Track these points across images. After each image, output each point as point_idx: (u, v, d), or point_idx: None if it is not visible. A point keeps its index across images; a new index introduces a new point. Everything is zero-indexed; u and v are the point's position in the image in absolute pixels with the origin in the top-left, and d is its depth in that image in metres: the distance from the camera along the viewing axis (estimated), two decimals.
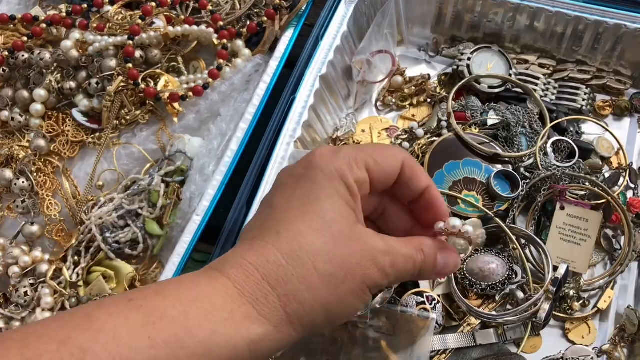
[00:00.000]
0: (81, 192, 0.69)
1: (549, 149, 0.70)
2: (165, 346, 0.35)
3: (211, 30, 0.75)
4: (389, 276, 0.42)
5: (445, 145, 0.70)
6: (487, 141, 0.70)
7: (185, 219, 0.62)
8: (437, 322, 0.59)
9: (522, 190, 0.66)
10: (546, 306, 0.58)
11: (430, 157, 0.69)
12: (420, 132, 0.72)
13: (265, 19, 0.76)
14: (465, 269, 0.62)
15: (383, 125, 0.77)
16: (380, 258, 0.42)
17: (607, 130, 0.72)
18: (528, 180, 0.67)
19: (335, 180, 0.42)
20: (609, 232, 0.67)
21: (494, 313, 0.61)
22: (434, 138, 0.71)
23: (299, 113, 0.68)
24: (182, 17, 0.78)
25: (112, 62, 0.71)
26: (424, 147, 0.71)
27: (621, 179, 0.69)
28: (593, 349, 0.61)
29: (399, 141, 0.73)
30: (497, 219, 0.64)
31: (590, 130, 0.74)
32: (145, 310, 0.36)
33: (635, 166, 0.71)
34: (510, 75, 0.75)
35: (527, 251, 0.65)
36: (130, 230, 0.64)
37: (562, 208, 0.66)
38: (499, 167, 0.68)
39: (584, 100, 0.74)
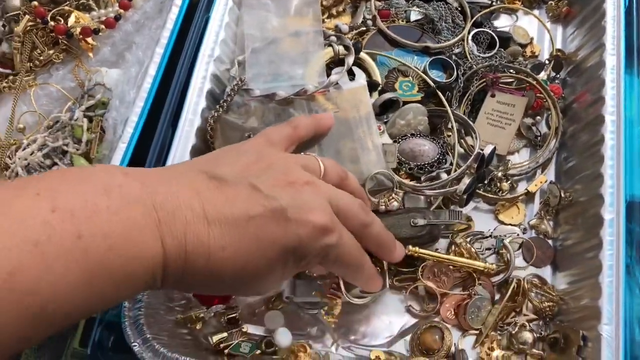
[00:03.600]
0: (2, 137, 0.67)
1: (470, 42, 0.72)
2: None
3: None
4: None
5: (374, 40, 0.71)
6: (418, 33, 0.72)
7: (112, 148, 0.62)
8: None
9: (459, 77, 0.68)
10: (467, 180, 0.61)
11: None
12: (345, 27, 0.72)
13: None
14: (397, 149, 0.64)
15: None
16: None
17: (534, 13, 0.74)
18: (463, 70, 0.68)
19: None
20: (529, 121, 0.70)
21: (416, 184, 0.62)
22: (363, 35, 0.72)
23: (215, 32, 0.67)
24: None
25: (16, 1, 0.69)
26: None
27: (543, 71, 0.72)
28: (521, 227, 0.65)
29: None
30: (441, 95, 0.66)
31: (502, 23, 0.76)
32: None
33: (546, 53, 0.74)
34: None
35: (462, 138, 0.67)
36: (58, 168, 0.63)
37: (493, 95, 0.69)
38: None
39: None
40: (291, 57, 0.64)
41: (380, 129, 0.62)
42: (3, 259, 0.30)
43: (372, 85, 0.64)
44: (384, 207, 0.59)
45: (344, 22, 0.76)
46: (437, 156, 0.63)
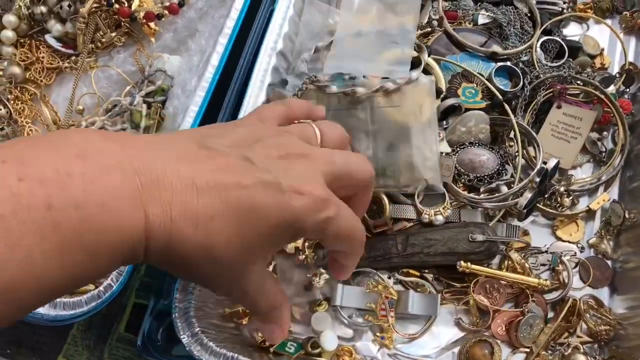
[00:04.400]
0: (61, 117, 0.67)
1: (539, 49, 0.70)
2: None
3: None
4: None
5: (439, 42, 0.69)
6: (485, 37, 0.70)
7: None
8: None
9: (525, 86, 0.66)
10: (528, 194, 0.59)
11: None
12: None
13: None
14: (455, 159, 0.62)
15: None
16: None
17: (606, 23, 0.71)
18: (529, 79, 0.66)
19: None
20: (594, 135, 0.67)
21: (475, 196, 0.61)
22: (428, 36, 0.70)
23: (279, 25, 0.66)
24: None
25: None
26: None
27: (613, 84, 0.69)
28: (579, 245, 0.63)
29: None
30: (505, 104, 0.64)
31: (572, 32, 0.74)
32: None
33: (617, 65, 0.72)
34: None
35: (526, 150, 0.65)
36: None
37: (559, 107, 0.67)
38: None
39: (565, 2, 0.74)
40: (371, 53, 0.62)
41: (440, 136, 0.60)
42: None
43: (435, 92, 0.63)
44: (427, 217, 0.58)
45: (409, 22, 0.75)
46: (497, 167, 0.61)
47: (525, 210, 0.59)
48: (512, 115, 0.63)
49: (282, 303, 0.41)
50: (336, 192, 0.41)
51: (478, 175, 0.61)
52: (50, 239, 0.30)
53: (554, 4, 0.74)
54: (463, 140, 0.63)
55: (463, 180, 0.61)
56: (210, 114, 0.61)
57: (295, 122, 0.47)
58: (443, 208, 0.60)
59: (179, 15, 0.69)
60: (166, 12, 0.69)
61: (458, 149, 0.62)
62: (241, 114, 0.61)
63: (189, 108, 0.61)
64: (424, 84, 0.60)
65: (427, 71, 0.64)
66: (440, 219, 0.59)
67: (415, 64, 0.63)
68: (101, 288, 0.54)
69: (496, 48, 0.69)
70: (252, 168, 0.38)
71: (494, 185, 0.61)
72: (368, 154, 0.60)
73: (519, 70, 0.66)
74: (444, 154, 0.61)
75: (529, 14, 0.72)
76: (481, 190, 0.61)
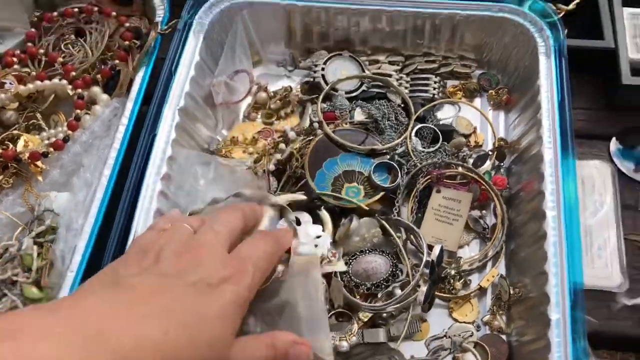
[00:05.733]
0: None
1: (414, 137, 0.73)
2: None
3: (65, 82, 0.75)
4: None
5: (321, 144, 0.72)
6: (364, 134, 0.73)
7: (62, 277, 0.62)
8: None
9: (401, 179, 0.69)
10: (424, 288, 0.62)
11: (309, 158, 0.70)
12: (292, 134, 0.73)
13: (118, 61, 0.76)
14: (350, 272, 0.64)
15: (255, 128, 0.78)
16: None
17: (480, 109, 0.76)
18: (407, 169, 0.70)
19: None
20: (476, 213, 0.71)
21: (377, 304, 0.63)
22: (311, 137, 0.73)
23: (162, 149, 0.68)
24: (34, 73, 0.77)
25: None
26: (302, 149, 0.72)
27: (488, 160, 0.74)
28: (475, 323, 0.65)
29: (275, 142, 0.74)
30: (379, 218, 0.67)
31: (445, 114, 0.78)
32: None
33: (490, 141, 0.76)
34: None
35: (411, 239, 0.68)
36: (8, 299, 0.63)
37: (439, 191, 0.70)
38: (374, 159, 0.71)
39: (434, 88, 0.79)
40: None
41: (335, 256, 0.62)
42: None
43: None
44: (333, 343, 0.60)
45: (292, 124, 0.78)
46: (390, 269, 0.64)
47: (426, 304, 0.62)
48: (391, 225, 0.67)
49: (270, 343, 0.46)
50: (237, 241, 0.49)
51: (374, 282, 0.63)
52: None
53: (426, 90, 0.79)
54: (359, 248, 0.66)
55: (361, 290, 0.63)
56: (98, 248, 0.62)
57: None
58: (348, 334, 0.61)
59: (64, 151, 0.71)
60: (51, 149, 0.71)
61: (350, 260, 0.65)
62: (129, 242, 0.62)
63: (76, 246, 0.62)
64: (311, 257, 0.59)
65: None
66: (344, 345, 0.60)
67: None
68: None
69: (375, 143, 0.72)
70: (172, 281, 0.42)
71: (390, 288, 0.63)
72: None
73: (395, 165, 0.69)
74: (336, 275, 0.63)
75: (402, 105, 0.77)
76: (379, 295, 0.63)
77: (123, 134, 0.69)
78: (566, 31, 0.74)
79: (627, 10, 0.85)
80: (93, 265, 0.61)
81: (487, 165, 0.73)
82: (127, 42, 0.77)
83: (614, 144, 0.78)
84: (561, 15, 0.76)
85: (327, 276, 0.62)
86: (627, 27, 0.83)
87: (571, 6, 0.82)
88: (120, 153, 0.68)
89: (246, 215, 0.52)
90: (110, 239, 0.62)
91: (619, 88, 0.78)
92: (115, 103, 0.73)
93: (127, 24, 0.79)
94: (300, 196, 0.64)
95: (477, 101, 0.80)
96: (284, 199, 0.62)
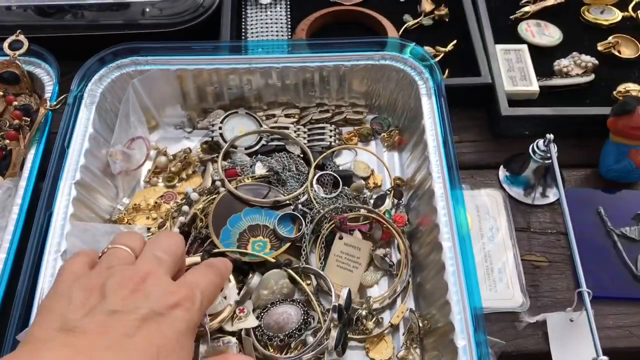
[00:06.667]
0: None
1: (315, 185, 0.76)
2: None
3: None
4: None
5: (224, 201, 0.72)
6: (267, 188, 0.74)
7: None
8: None
9: (306, 227, 0.71)
10: (334, 333, 0.63)
11: (213, 217, 0.70)
12: (195, 195, 0.73)
13: (8, 141, 0.75)
14: (262, 325, 0.65)
15: (157, 193, 0.78)
16: None
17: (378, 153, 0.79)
18: (310, 216, 0.72)
19: None
20: (381, 252, 0.73)
21: (292, 355, 0.63)
22: (214, 196, 0.73)
23: (60, 226, 0.67)
24: None
25: None
26: (205, 209, 0.72)
27: (387, 199, 0.76)
28: None
29: (178, 205, 0.74)
30: (285, 268, 0.68)
31: (344, 160, 0.81)
32: None
33: (387, 181, 0.79)
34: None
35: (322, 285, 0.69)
36: None
37: (341, 238, 0.72)
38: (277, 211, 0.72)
39: (331, 137, 0.82)
40: None
41: (244, 312, 0.62)
42: None
43: None
44: None
45: (195, 184, 0.79)
46: (302, 317, 0.64)
47: (339, 348, 0.63)
48: (298, 274, 0.68)
49: None
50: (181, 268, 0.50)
51: (287, 332, 0.64)
52: None
53: (323, 139, 0.82)
54: (270, 300, 0.66)
55: (274, 342, 0.63)
56: None
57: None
58: None
59: None
60: None
61: (262, 314, 0.65)
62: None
63: None
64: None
65: None
66: None
67: None
68: None
69: (278, 195, 0.74)
70: (122, 316, 0.42)
71: (303, 337, 0.64)
72: None
73: (299, 214, 0.71)
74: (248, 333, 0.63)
75: (301, 155, 0.79)
76: (292, 345, 0.64)
77: (17, 214, 0.67)
78: (447, 71, 0.79)
79: (500, 47, 0.92)
80: None
81: (387, 203, 0.76)
82: (17, 121, 0.76)
83: (502, 172, 0.83)
84: (440, 57, 0.81)
85: (238, 333, 0.62)
86: (500, 62, 0.89)
87: (449, 47, 0.88)
88: (15, 234, 0.66)
89: (182, 242, 0.53)
90: (9, 322, 0.59)
91: (500, 119, 0.84)
92: (8, 183, 0.71)
93: (15, 103, 0.78)
94: (195, 258, 0.65)
95: (372, 144, 0.84)
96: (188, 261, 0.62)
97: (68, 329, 0.41)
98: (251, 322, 0.63)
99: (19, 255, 0.65)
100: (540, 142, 0.77)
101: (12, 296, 0.62)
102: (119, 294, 0.44)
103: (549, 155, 0.76)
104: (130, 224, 0.73)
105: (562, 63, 0.92)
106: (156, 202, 0.76)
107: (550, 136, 0.76)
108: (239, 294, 0.64)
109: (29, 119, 0.77)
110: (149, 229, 0.72)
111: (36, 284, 0.62)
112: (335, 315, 0.63)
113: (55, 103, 0.75)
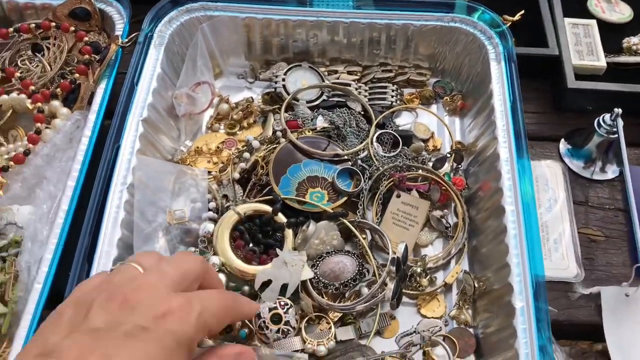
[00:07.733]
0: None
1: (375, 143, 0.76)
2: None
3: (23, 96, 0.74)
4: None
5: (285, 151, 0.73)
6: (326, 141, 0.75)
7: (27, 290, 0.61)
8: (291, 325, 0.62)
9: (364, 183, 0.71)
10: (391, 285, 0.63)
11: (274, 165, 0.72)
12: (256, 143, 0.74)
13: (77, 75, 0.76)
14: (318, 273, 0.65)
15: (219, 139, 0.79)
16: None
17: (437, 116, 0.79)
18: (369, 173, 0.72)
19: None
20: (438, 213, 0.73)
21: (346, 304, 0.64)
22: (275, 145, 0.74)
23: (127, 160, 0.68)
24: None
25: None
26: (265, 157, 0.73)
27: (446, 162, 0.76)
28: (442, 319, 0.67)
29: (240, 151, 0.75)
30: (343, 218, 0.68)
31: (404, 121, 0.81)
32: None
33: (447, 145, 0.79)
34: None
35: (377, 240, 0.70)
36: None
37: (398, 196, 0.72)
38: (336, 165, 0.73)
39: (392, 96, 0.81)
40: None
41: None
42: None
43: None
44: (311, 348, 0.61)
45: (255, 133, 0.79)
46: (357, 268, 0.65)
47: (394, 301, 0.63)
48: (354, 224, 0.68)
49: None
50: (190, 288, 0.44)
51: (342, 281, 0.64)
52: None
53: (384, 98, 0.81)
54: (320, 252, 0.67)
55: (330, 290, 0.64)
56: (65, 260, 0.61)
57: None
58: (327, 339, 0.63)
59: (25, 165, 0.70)
60: (12, 162, 0.70)
61: (317, 262, 0.66)
62: (96, 256, 0.61)
63: (43, 257, 0.61)
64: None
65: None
66: (322, 349, 0.62)
67: None
68: None
69: (337, 150, 0.74)
70: (105, 334, 0.38)
71: (357, 287, 0.65)
72: None
73: (358, 170, 0.71)
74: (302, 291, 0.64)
75: (362, 112, 0.79)
76: (346, 295, 0.65)
77: (87, 145, 0.68)
78: (514, 39, 0.78)
79: (568, 20, 0.90)
80: (60, 275, 0.61)
81: (446, 167, 0.76)
82: (86, 56, 0.77)
83: (563, 145, 0.82)
84: (508, 25, 0.80)
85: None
86: (568, 36, 0.88)
87: (517, 17, 0.87)
88: (84, 164, 0.67)
89: (207, 266, 0.48)
90: (77, 249, 0.61)
91: (565, 92, 0.82)
92: (77, 115, 0.73)
93: (85, 39, 0.79)
94: (263, 206, 0.65)
95: (434, 107, 0.83)
96: (247, 207, 0.63)
97: (45, 353, 0.38)
98: (307, 274, 0.64)
99: (86, 185, 0.66)
100: (607, 116, 0.76)
101: (79, 225, 0.63)
102: (102, 310, 0.40)
103: (614, 129, 0.75)
104: (191, 165, 0.74)
105: (631, 41, 0.90)
106: (218, 147, 0.77)
107: (619, 110, 0.74)
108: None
109: (97, 56, 0.78)
110: (209, 172, 0.73)
111: (102, 214, 0.64)
112: (393, 268, 0.64)
113: (126, 40, 0.76)
